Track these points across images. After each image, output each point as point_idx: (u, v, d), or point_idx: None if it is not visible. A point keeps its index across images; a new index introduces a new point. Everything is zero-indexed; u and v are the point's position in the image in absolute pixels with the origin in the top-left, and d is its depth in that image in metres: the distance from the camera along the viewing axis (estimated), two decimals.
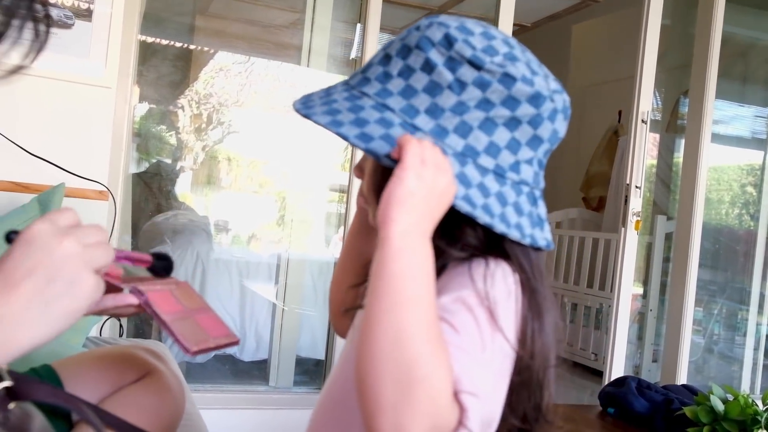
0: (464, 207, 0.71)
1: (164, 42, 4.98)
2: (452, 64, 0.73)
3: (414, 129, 0.72)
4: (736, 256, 4.16)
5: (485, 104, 0.73)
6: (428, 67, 0.73)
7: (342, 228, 2.99)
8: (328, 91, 0.79)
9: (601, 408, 2.24)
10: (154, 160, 5.17)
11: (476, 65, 0.73)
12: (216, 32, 5.14)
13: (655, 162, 4.44)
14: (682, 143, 3.81)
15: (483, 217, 0.72)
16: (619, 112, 4.95)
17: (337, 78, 3.94)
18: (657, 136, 4.49)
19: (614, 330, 3.17)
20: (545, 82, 0.75)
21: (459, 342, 0.67)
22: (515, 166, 0.75)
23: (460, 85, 0.73)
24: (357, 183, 2.99)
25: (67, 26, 2.10)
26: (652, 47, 3.16)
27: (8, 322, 0.59)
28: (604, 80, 5.14)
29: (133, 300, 0.75)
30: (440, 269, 0.75)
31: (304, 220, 3.70)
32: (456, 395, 0.63)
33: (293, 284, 3.42)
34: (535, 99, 0.74)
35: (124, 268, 0.80)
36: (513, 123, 0.74)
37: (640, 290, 4.13)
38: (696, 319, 3.60)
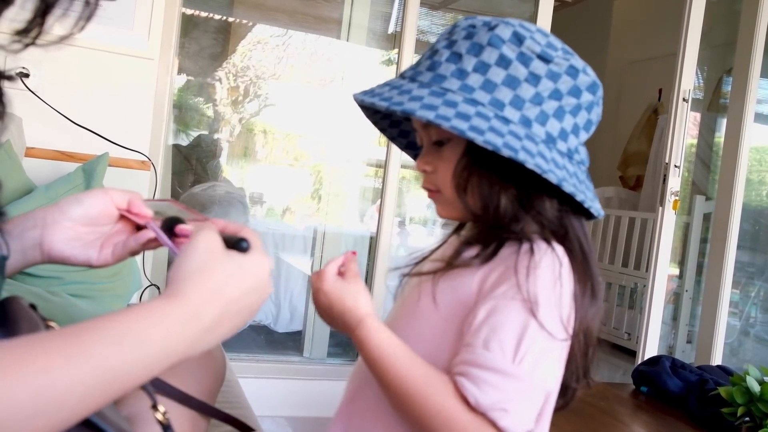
0: (568, 188, 0.77)
1: (203, 14, 5.01)
2: (524, 58, 0.79)
3: (506, 121, 0.77)
4: None
5: (556, 94, 0.80)
6: (504, 62, 0.79)
7: (378, 201, 3.00)
8: (398, 88, 0.81)
9: (634, 387, 2.23)
10: (194, 133, 5.23)
11: (545, 59, 0.80)
12: (255, 5, 5.15)
13: (695, 141, 4.37)
14: (723, 122, 3.74)
15: (579, 195, 0.79)
16: (659, 91, 4.85)
17: (375, 52, 3.93)
18: (698, 115, 4.41)
19: (649, 310, 3.15)
20: (592, 72, 0.84)
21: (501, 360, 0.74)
22: (577, 148, 0.83)
23: (535, 78, 0.79)
24: (394, 158, 2.98)
25: None
26: (696, 24, 3.08)
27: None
28: (645, 57, 5.04)
29: (151, 234, 0.79)
30: (498, 245, 0.82)
31: (340, 193, 3.72)
32: (487, 413, 0.72)
33: (329, 257, 3.45)
34: (592, 87, 0.83)
35: (156, 210, 0.83)
36: (576, 110, 0.82)
37: (675, 271, 4.09)
38: (732, 301, 3.56)
